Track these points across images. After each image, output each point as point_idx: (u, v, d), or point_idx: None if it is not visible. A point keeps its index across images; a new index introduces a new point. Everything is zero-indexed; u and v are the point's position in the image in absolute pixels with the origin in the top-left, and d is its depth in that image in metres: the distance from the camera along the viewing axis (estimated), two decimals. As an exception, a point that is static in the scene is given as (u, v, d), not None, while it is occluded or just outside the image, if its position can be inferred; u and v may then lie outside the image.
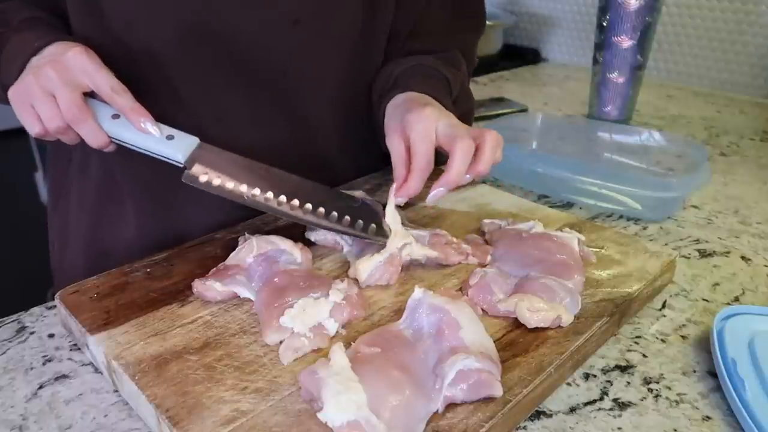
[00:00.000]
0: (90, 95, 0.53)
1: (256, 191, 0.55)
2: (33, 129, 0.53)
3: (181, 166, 0.54)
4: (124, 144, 0.54)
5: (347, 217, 0.56)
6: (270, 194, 0.55)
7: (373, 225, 0.57)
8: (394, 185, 0.57)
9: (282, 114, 0.66)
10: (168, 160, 0.54)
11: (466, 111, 0.72)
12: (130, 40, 0.59)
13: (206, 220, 0.65)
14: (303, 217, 0.55)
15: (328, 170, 0.73)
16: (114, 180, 0.68)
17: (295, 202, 0.55)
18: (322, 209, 0.56)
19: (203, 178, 0.54)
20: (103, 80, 0.52)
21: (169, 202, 0.67)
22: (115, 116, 0.53)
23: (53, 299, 0.53)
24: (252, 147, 0.64)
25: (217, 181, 0.54)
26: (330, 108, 0.70)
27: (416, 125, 0.56)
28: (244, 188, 0.54)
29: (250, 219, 0.65)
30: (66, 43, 0.53)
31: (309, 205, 0.55)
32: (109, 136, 0.53)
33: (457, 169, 0.54)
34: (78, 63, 0.51)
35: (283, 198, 0.55)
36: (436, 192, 0.56)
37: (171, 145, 0.54)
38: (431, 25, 0.73)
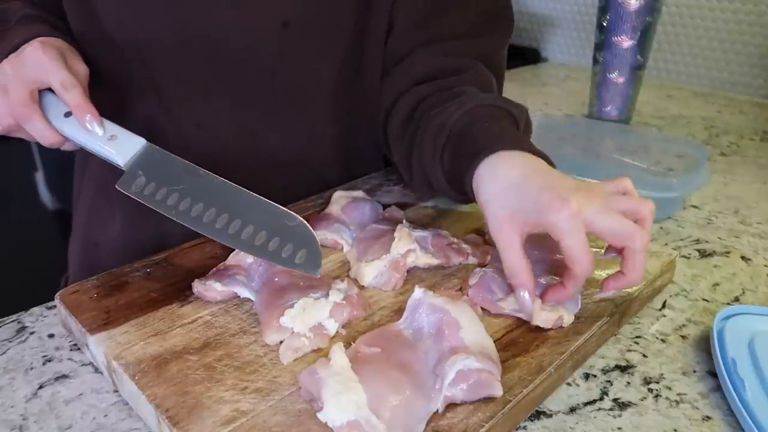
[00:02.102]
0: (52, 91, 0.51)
1: (184, 206, 0.50)
2: None
3: (122, 169, 0.52)
4: (76, 143, 0.52)
5: (276, 239, 0.49)
6: (198, 209, 0.50)
7: (303, 251, 0.48)
8: (522, 296, 0.48)
9: (269, 120, 0.65)
10: (112, 163, 0.52)
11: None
12: (119, 40, 0.58)
13: (186, 227, 0.64)
14: (226, 240, 0.50)
15: (317, 177, 0.72)
16: (107, 180, 0.68)
17: (224, 219, 0.50)
18: (249, 230, 0.49)
19: (135, 188, 0.51)
20: (54, 75, 0.50)
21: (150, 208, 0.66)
22: (68, 114, 0.51)
23: (66, 283, 0.53)
24: (236, 152, 0.63)
25: (148, 191, 0.51)
26: (322, 114, 0.68)
27: (568, 229, 0.45)
28: (172, 201, 0.50)
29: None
30: (39, 39, 0.52)
31: (236, 226, 0.49)
32: (64, 135, 0.51)
33: (638, 275, 0.47)
34: (33, 58, 0.50)
35: (210, 215, 0.50)
36: (607, 292, 0.50)
37: (113, 146, 0.51)
38: (455, 27, 0.65)
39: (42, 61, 0.50)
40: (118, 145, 0.52)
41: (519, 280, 0.48)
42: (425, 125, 0.60)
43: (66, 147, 0.53)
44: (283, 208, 0.50)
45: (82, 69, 0.54)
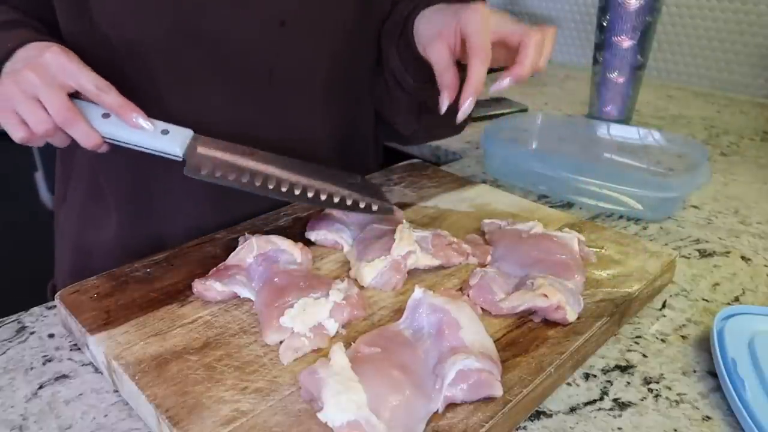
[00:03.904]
0: (74, 96, 0.52)
1: (259, 178, 0.55)
2: (17, 134, 0.51)
3: (180, 159, 0.54)
4: (118, 143, 0.53)
5: (354, 196, 0.57)
6: (274, 179, 0.55)
7: (378, 201, 0.58)
8: (444, 94, 0.57)
9: (267, 117, 0.65)
10: (165, 156, 0.54)
11: None
12: (117, 40, 0.58)
13: (184, 227, 0.65)
14: (310, 202, 0.56)
15: None
16: (99, 183, 0.67)
17: (300, 185, 0.56)
18: (327, 191, 0.56)
19: (205, 170, 0.54)
20: (87, 79, 0.50)
21: (148, 209, 0.66)
22: (106, 115, 0.52)
23: (53, 291, 0.53)
24: None
25: (219, 172, 0.54)
26: (319, 111, 0.69)
27: (473, 19, 0.54)
28: (247, 176, 0.55)
29: (236, 225, 0.65)
30: (41, 44, 0.52)
31: (314, 188, 0.56)
32: (102, 137, 0.52)
33: (531, 60, 0.54)
34: (58, 64, 0.50)
35: (287, 182, 0.55)
36: (501, 82, 0.55)
37: (167, 139, 0.53)
38: None
39: (68, 66, 0.50)
40: (173, 137, 0.54)
41: (445, 79, 0.57)
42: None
43: (102, 149, 0.54)
44: (344, 172, 0.60)
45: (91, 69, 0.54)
